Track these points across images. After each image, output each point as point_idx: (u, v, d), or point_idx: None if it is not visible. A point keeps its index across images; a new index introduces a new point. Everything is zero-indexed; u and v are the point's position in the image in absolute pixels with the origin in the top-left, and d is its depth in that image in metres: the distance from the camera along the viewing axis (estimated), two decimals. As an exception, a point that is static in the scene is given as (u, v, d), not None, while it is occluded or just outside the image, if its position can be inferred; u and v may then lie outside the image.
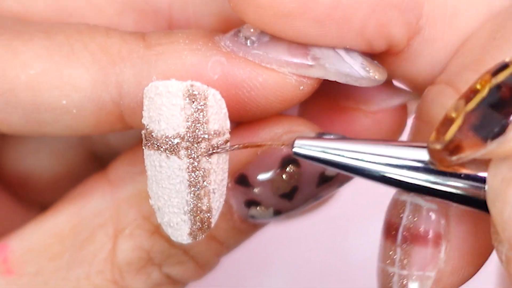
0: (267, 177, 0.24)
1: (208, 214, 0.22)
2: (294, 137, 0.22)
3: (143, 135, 0.22)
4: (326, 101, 0.26)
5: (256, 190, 0.24)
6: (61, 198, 0.26)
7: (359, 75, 0.23)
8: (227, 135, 0.22)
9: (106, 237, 0.24)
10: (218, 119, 0.22)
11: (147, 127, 0.22)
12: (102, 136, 0.30)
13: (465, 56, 0.22)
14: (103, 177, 0.25)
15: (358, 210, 0.44)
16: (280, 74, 0.23)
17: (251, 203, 0.24)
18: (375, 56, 0.24)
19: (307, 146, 0.22)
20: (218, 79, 0.22)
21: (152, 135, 0.22)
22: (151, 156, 0.22)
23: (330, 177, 0.24)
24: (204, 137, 0.22)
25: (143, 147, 0.22)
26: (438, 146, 0.20)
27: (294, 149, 0.22)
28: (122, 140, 0.30)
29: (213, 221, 0.23)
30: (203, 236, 0.23)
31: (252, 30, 0.23)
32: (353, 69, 0.23)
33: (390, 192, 0.46)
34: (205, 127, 0.22)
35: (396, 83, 0.27)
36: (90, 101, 0.22)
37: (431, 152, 0.21)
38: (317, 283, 0.44)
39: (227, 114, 0.22)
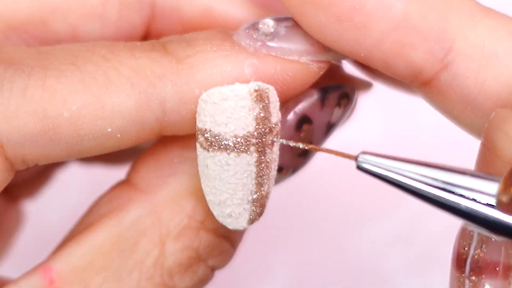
0: (287, 141, 0.25)
1: (266, 199, 0.24)
2: (359, 152, 0.23)
3: (203, 139, 0.23)
4: None
5: (279, 158, 0.25)
6: (96, 216, 0.26)
7: None
8: (279, 123, 0.24)
9: (151, 243, 0.25)
10: (276, 112, 0.24)
11: (211, 130, 0.23)
12: None
13: None
14: (131, 187, 0.26)
15: (359, 212, 0.44)
16: (304, 65, 0.24)
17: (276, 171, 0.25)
18: (406, 84, 0.25)
19: (372, 162, 0.22)
20: (255, 80, 0.24)
21: (218, 138, 0.23)
22: (215, 157, 0.23)
23: (334, 123, 0.26)
24: (269, 131, 0.23)
25: (202, 150, 0.23)
26: (504, 199, 0.20)
27: (359, 163, 0.22)
28: None
29: (266, 203, 0.24)
30: (258, 219, 0.24)
31: (270, 26, 0.24)
32: None
33: (391, 193, 0.46)
34: (269, 122, 0.23)
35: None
36: (135, 124, 0.23)
37: (499, 202, 0.21)
38: (317, 284, 0.44)
39: (279, 105, 0.24)
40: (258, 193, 0.23)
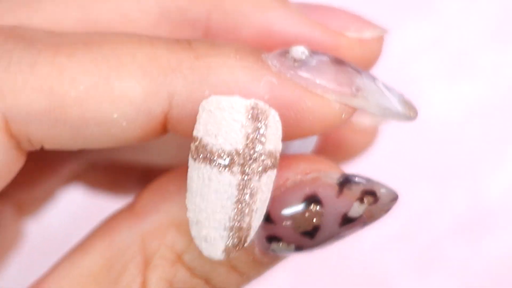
0: (290, 214, 0.23)
1: (247, 233, 0.22)
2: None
3: (194, 148, 0.22)
4: None
5: (277, 226, 0.23)
6: (91, 234, 0.25)
7: (396, 110, 0.24)
8: (277, 155, 0.22)
9: (136, 270, 0.24)
10: (274, 140, 0.22)
11: (202, 139, 0.22)
12: None
13: None
14: (130, 210, 0.25)
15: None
16: (326, 100, 0.23)
17: (273, 238, 0.24)
18: None
19: None
20: (269, 99, 0.22)
21: (206, 148, 0.22)
22: (200, 169, 0.22)
23: (353, 218, 0.24)
24: (259, 156, 0.22)
25: (191, 160, 0.22)
26: None
27: None
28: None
29: (249, 239, 0.23)
30: (236, 254, 0.23)
31: (301, 52, 0.23)
32: (392, 104, 0.24)
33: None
34: (261, 147, 0.22)
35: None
36: (141, 113, 0.22)
37: None
38: (317, 284, 0.44)
39: (281, 136, 0.22)
40: (237, 223, 0.22)
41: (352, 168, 0.33)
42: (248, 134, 0.22)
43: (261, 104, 0.22)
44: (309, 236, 0.24)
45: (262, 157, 0.22)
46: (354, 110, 0.23)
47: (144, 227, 0.24)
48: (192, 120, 0.22)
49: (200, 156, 0.22)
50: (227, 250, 0.22)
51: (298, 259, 0.42)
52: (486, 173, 0.47)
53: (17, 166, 0.23)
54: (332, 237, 0.24)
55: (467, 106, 0.48)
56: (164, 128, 0.23)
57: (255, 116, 0.22)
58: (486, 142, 0.47)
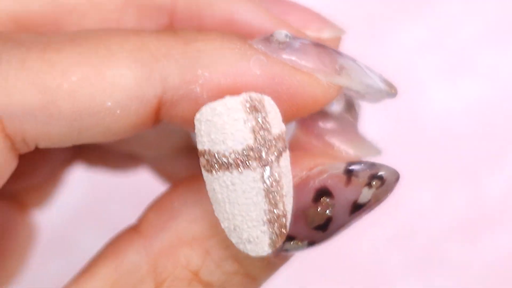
0: (302, 211, 0.23)
1: (284, 219, 0.22)
2: None
3: (205, 161, 0.22)
4: None
5: (290, 226, 0.23)
6: (96, 257, 0.25)
7: (379, 87, 0.24)
8: (284, 136, 0.23)
9: None
10: (277, 123, 0.22)
11: (210, 150, 0.22)
12: None
13: None
14: (135, 230, 0.25)
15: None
16: (313, 76, 0.23)
17: (286, 238, 0.23)
18: None
19: None
20: (261, 74, 0.23)
21: (218, 157, 0.22)
22: (219, 179, 0.22)
23: (362, 204, 0.24)
24: (270, 143, 0.22)
25: (206, 173, 0.22)
26: None
27: None
28: None
29: (288, 224, 0.23)
30: (281, 242, 0.23)
31: (284, 35, 0.23)
32: (375, 81, 0.24)
33: (393, 193, 0.46)
34: (269, 134, 0.22)
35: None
36: (134, 99, 0.22)
37: None
38: (317, 284, 0.44)
39: (281, 118, 0.23)
40: (273, 213, 0.22)
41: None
42: (253, 126, 0.22)
43: (254, 94, 0.22)
44: (322, 229, 0.23)
45: (273, 143, 0.22)
46: (340, 87, 0.24)
47: (154, 247, 0.24)
48: (185, 102, 0.23)
49: (215, 167, 0.22)
50: (272, 243, 0.22)
51: (298, 259, 0.42)
52: (486, 173, 0.47)
53: (10, 169, 0.23)
54: (343, 226, 0.24)
55: (467, 106, 0.48)
56: (158, 115, 0.23)
57: (253, 108, 0.22)
58: (486, 142, 0.47)
